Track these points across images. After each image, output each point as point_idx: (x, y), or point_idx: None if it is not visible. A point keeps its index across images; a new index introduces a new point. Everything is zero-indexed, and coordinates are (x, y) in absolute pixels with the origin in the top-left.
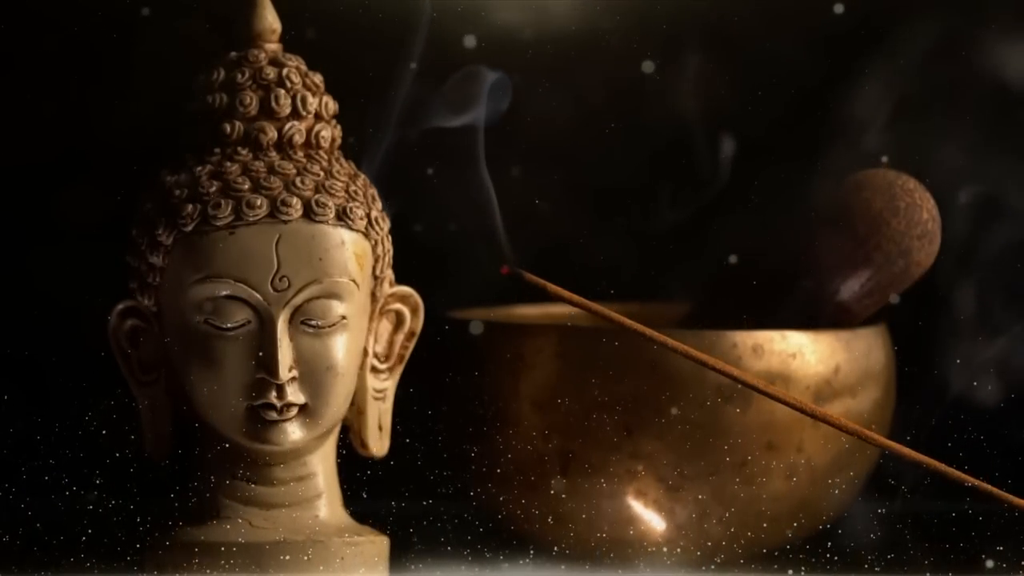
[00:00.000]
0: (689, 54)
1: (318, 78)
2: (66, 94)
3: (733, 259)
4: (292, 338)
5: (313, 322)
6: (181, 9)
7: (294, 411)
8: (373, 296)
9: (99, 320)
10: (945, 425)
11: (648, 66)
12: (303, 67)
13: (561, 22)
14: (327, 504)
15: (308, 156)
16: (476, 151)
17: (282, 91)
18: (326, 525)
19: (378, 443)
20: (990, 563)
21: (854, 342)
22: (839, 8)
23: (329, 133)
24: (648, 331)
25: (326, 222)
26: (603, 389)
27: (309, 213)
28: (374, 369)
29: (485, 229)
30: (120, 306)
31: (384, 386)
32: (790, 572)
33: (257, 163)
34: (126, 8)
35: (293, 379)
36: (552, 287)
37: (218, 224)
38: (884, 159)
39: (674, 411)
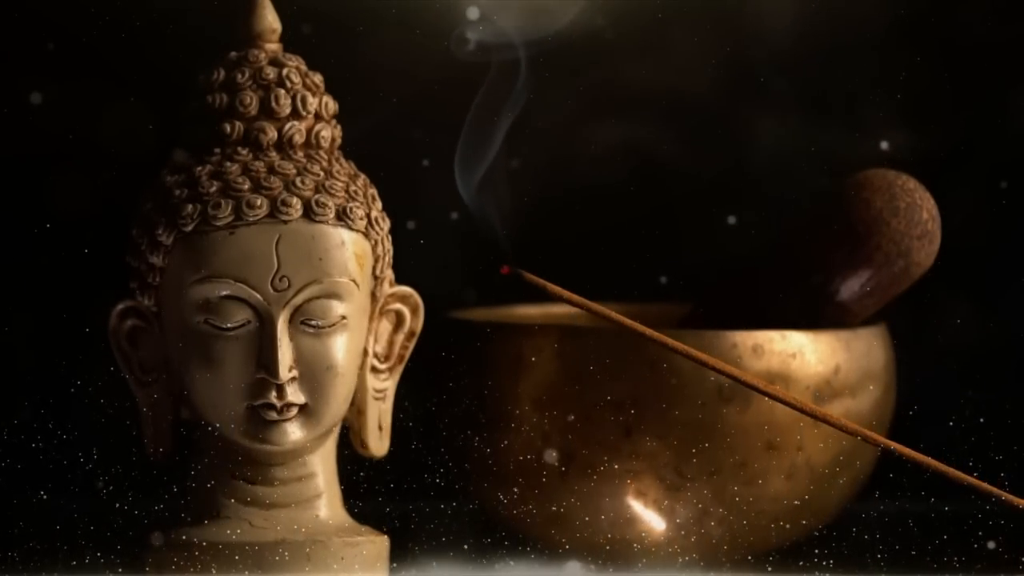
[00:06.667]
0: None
1: (318, 78)
2: (66, 93)
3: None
4: (292, 338)
5: (313, 322)
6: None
7: (294, 411)
8: (373, 296)
9: (99, 320)
10: (945, 425)
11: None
12: (303, 67)
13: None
14: (327, 504)
15: (308, 156)
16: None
17: (282, 91)
18: (326, 525)
19: (378, 443)
20: (989, 562)
21: (854, 342)
22: None
23: (329, 133)
24: (648, 331)
25: (326, 222)
26: (603, 389)
27: (309, 213)
28: (374, 369)
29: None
30: (120, 306)
31: (384, 386)
32: (790, 572)
33: (257, 163)
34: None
35: (293, 379)
36: (552, 287)
37: (218, 224)
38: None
39: (674, 411)
